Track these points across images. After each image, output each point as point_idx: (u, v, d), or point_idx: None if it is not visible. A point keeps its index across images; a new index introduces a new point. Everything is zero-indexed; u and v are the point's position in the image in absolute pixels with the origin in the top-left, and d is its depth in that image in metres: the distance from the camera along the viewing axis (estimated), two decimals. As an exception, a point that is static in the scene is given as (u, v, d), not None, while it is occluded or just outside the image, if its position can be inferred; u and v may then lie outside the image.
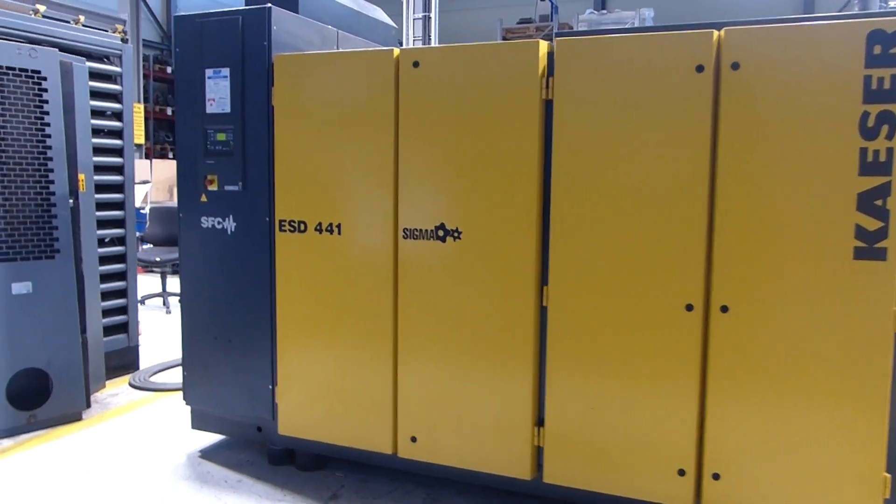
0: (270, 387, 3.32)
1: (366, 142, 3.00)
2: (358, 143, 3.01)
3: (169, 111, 15.02)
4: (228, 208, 3.31)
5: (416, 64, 2.88)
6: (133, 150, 4.80)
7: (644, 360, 2.63)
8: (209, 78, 3.27)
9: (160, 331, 6.22)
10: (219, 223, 3.34)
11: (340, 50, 3.45)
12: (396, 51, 2.94)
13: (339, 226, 3.08)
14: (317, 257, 3.14)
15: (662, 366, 2.61)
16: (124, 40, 4.73)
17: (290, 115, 3.13)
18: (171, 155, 14.58)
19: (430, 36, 8.19)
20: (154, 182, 9.14)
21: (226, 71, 3.23)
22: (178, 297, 7.56)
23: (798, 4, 14.25)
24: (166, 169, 9.64)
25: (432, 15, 7.93)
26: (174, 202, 9.33)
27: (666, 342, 2.59)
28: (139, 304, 5.71)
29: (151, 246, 7.21)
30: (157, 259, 6.84)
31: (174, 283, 8.22)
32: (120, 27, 4.83)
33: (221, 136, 3.28)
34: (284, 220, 3.19)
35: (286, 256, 3.20)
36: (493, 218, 2.81)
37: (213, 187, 3.32)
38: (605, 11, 10.04)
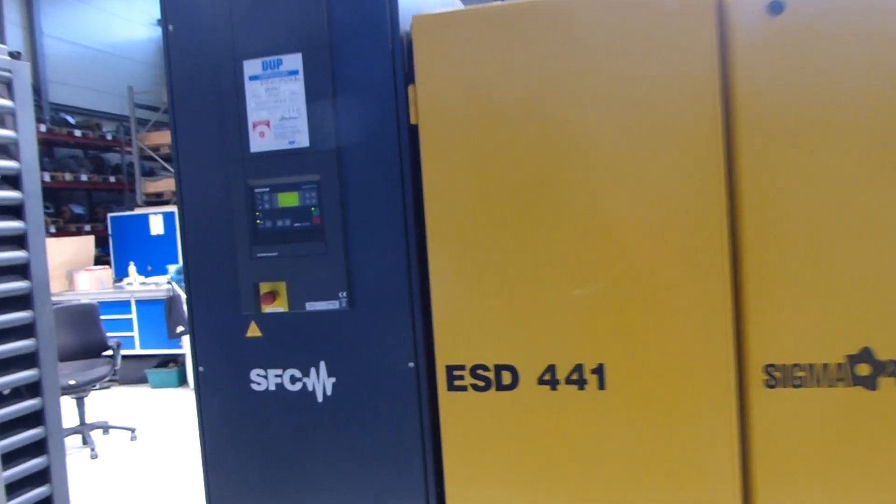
0: None
1: (649, 188, 1.38)
2: (635, 193, 1.39)
3: (46, 177, 12.48)
4: (316, 350, 1.57)
5: (775, 7, 1.31)
6: (44, 237, 2.89)
7: None
8: (252, 79, 1.55)
9: (86, 488, 4.12)
10: (294, 381, 1.59)
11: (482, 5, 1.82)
12: (718, -17, 1.36)
13: (598, 370, 1.42)
14: (549, 440, 1.45)
15: None
16: (13, 55, 2.86)
17: (455, 144, 1.46)
18: (52, 229, 12.01)
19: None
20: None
21: (293, 60, 1.52)
22: (102, 430, 5.42)
23: None
24: (60, 249, 7.39)
25: None
26: (76, 292, 7.11)
27: None
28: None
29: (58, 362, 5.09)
30: (72, 382, 4.76)
31: (95, 409, 5.96)
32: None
33: (290, 199, 1.56)
34: (460, 367, 1.49)
35: (468, 441, 1.49)
36: None
37: (279, 307, 1.57)
38: None
